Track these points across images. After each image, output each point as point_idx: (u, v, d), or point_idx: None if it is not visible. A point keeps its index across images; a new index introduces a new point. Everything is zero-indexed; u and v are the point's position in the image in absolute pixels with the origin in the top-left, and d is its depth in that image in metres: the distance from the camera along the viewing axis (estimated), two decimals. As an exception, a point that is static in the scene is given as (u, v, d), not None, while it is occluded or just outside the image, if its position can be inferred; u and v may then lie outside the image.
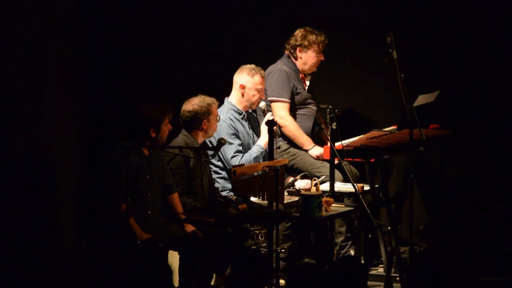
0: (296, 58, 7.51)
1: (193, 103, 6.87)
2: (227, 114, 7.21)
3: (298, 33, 7.51)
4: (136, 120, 6.44)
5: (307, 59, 7.50)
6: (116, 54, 7.81)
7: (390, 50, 6.71)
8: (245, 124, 7.36)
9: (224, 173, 7.20)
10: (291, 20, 7.80)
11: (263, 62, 7.49)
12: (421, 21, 7.83)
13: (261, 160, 7.18)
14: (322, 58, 7.53)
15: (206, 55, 8.13)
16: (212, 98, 6.92)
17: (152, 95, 7.67)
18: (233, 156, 7.14)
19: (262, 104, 7.30)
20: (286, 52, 7.54)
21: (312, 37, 7.46)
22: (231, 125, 7.22)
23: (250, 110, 7.40)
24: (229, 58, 7.90)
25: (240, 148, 7.20)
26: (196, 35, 8.12)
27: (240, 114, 7.34)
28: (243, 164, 6.47)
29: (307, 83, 7.62)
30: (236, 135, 7.22)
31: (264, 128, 7.22)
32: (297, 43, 7.48)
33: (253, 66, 7.30)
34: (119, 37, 7.84)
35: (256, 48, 8.00)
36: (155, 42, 7.98)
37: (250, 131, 7.38)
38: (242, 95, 7.31)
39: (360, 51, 7.92)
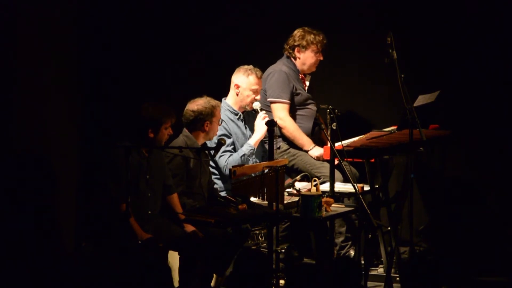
0: (295, 58, 7.51)
1: (198, 103, 6.88)
2: (221, 115, 7.20)
3: (297, 33, 7.51)
4: (137, 118, 6.44)
5: (305, 59, 7.50)
6: (117, 54, 7.81)
7: (390, 50, 6.70)
8: (241, 124, 7.35)
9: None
10: (291, 20, 7.80)
11: (263, 62, 7.49)
12: (421, 21, 7.83)
13: (253, 159, 7.17)
14: (321, 58, 7.52)
15: (206, 55, 8.13)
16: (217, 101, 6.94)
17: (152, 96, 7.67)
18: (220, 156, 7.14)
19: (256, 105, 7.29)
20: (285, 52, 7.54)
21: (310, 37, 7.46)
22: (223, 126, 7.21)
23: (252, 110, 7.39)
24: (229, 58, 7.89)
25: (229, 148, 7.19)
26: (196, 35, 8.13)
27: (235, 114, 7.33)
28: (243, 164, 6.46)
29: (307, 83, 7.62)
30: (227, 135, 7.20)
31: (256, 127, 7.21)
32: (295, 43, 7.48)
33: (250, 66, 7.30)
34: (119, 37, 7.84)
35: (256, 48, 8.00)
36: (156, 42, 7.97)
37: (247, 132, 7.37)
38: (237, 94, 7.31)
39: (360, 51, 7.92)
